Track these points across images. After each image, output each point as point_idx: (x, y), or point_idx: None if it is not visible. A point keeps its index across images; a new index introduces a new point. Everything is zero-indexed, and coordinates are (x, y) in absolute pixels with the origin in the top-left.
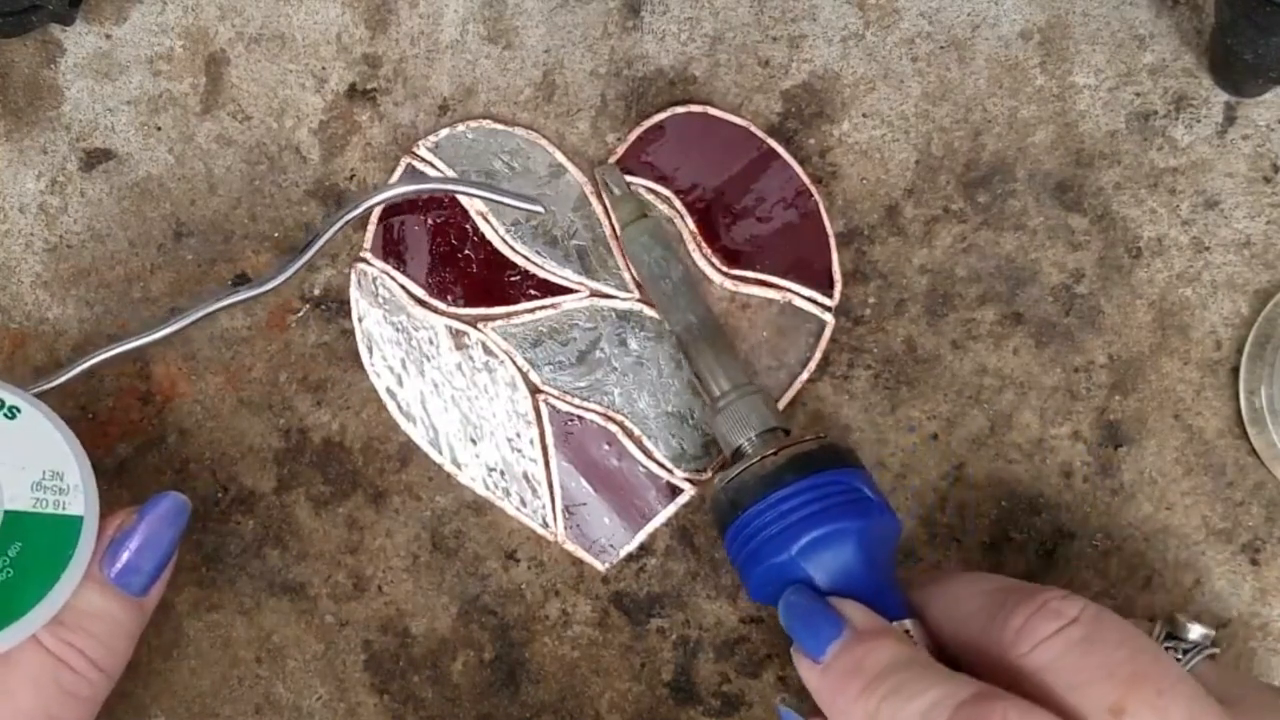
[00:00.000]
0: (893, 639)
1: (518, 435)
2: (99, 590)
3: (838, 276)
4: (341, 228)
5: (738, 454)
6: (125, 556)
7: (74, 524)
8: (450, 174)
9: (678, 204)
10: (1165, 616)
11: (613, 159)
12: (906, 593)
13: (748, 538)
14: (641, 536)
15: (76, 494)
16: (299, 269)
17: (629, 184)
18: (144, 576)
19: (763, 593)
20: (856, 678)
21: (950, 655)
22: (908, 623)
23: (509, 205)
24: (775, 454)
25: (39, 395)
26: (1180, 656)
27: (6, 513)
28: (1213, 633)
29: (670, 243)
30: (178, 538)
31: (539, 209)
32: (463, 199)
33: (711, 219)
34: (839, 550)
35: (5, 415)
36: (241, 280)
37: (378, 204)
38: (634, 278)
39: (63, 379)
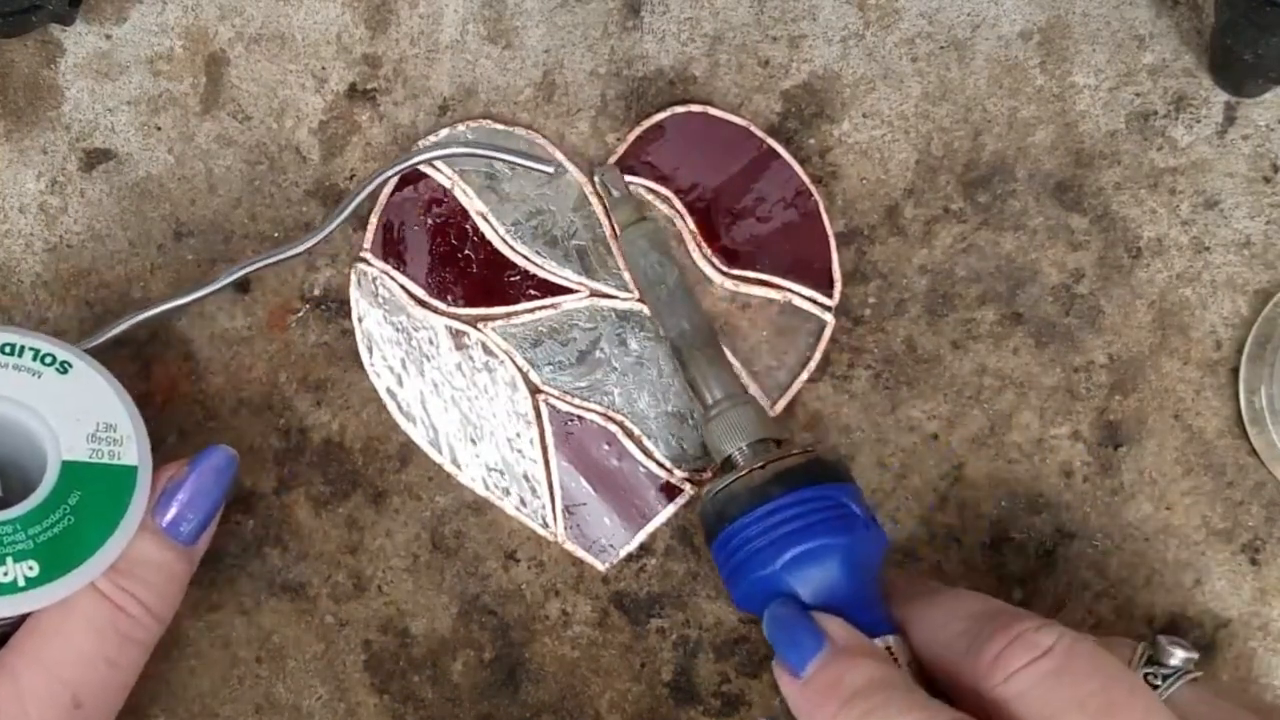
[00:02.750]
0: (872, 658)
1: (518, 435)
2: (152, 539)
3: (838, 276)
4: (378, 185)
5: (728, 463)
6: (175, 507)
7: (129, 474)
8: (450, 173)
9: (678, 204)
10: (1149, 640)
11: (613, 159)
12: (893, 605)
13: (734, 550)
14: (641, 536)
15: (130, 445)
16: (339, 224)
17: (628, 186)
18: (193, 526)
19: (748, 604)
20: (834, 695)
21: (930, 675)
22: (890, 639)
23: (521, 165)
24: (763, 467)
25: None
26: (1159, 683)
27: (65, 463)
28: (1195, 655)
29: (668, 247)
30: (226, 489)
31: (549, 169)
32: (462, 198)
33: (711, 219)
34: (823, 565)
35: (58, 370)
36: (241, 280)
37: (407, 168)
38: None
39: (110, 334)
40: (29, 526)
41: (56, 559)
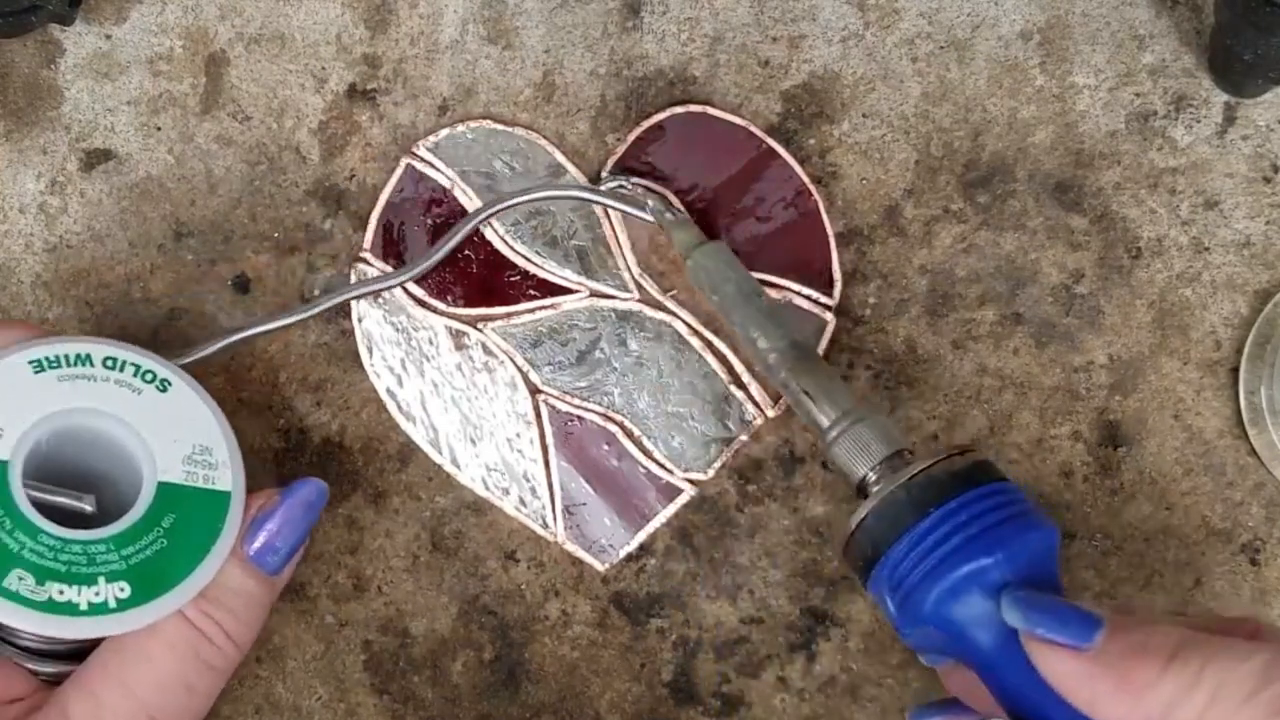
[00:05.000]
0: (1167, 622)
1: (517, 435)
2: (239, 567)
3: (838, 276)
4: (480, 223)
5: (862, 484)
6: (264, 536)
7: (223, 499)
8: (450, 173)
9: (678, 204)
10: None
11: (613, 159)
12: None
13: (937, 542)
14: (641, 536)
15: (225, 470)
16: (438, 260)
17: (683, 210)
18: (280, 556)
19: (942, 609)
20: (1153, 655)
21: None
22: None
23: (619, 210)
24: (961, 454)
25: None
26: None
27: (160, 484)
28: None
29: (739, 263)
30: (314, 522)
31: (648, 216)
32: (462, 198)
33: (711, 219)
34: (1038, 554)
35: (158, 388)
36: (241, 281)
37: (521, 203)
38: (634, 278)
39: (205, 353)
40: (122, 547)
41: (148, 581)
